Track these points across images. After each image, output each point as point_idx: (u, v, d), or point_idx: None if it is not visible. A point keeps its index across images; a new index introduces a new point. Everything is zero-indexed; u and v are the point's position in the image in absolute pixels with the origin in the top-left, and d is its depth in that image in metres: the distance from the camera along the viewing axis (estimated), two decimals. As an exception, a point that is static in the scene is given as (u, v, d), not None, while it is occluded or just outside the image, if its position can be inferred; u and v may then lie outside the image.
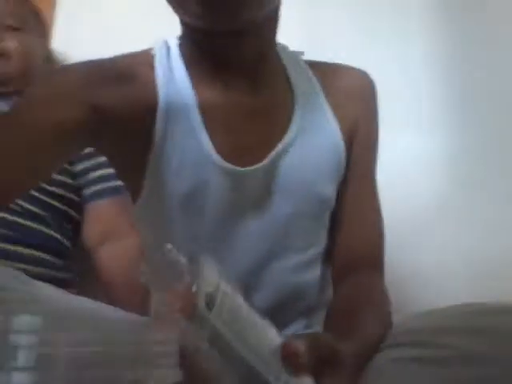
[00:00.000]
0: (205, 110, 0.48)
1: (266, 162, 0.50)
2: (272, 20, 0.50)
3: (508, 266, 0.79)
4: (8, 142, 0.43)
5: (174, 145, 0.47)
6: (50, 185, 0.78)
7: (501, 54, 0.91)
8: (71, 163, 0.82)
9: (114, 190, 0.81)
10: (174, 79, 0.49)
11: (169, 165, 0.48)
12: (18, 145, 0.43)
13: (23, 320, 0.24)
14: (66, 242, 0.82)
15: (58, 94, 0.45)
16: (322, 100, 0.54)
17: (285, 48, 0.57)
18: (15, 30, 0.82)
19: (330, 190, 0.54)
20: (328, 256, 0.57)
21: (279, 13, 0.50)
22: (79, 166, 0.83)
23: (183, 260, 0.29)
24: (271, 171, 0.50)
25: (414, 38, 0.95)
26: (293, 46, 0.58)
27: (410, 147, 0.88)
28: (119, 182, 0.74)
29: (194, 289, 0.28)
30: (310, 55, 0.59)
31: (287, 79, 0.54)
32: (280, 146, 0.50)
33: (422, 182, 0.87)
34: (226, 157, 0.48)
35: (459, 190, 0.85)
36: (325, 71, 0.57)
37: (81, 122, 0.45)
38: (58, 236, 0.79)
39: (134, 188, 0.52)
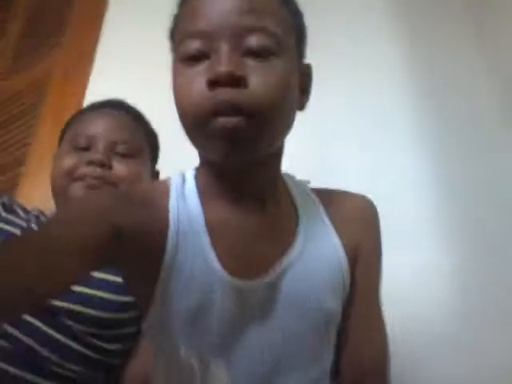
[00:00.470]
0: (213, 228, 0.51)
1: (270, 276, 0.52)
2: (279, 150, 0.55)
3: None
4: (28, 258, 0.42)
5: (183, 263, 0.50)
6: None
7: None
8: None
9: None
10: (186, 204, 0.53)
11: (178, 282, 0.50)
12: (37, 261, 0.42)
13: None
14: None
15: (84, 216, 0.48)
16: (324, 220, 0.57)
17: (291, 177, 0.62)
18: (127, 156, 0.81)
19: (334, 306, 0.55)
20: (334, 374, 0.57)
21: (284, 144, 0.56)
22: None
23: (195, 362, 0.29)
24: (276, 286, 0.52)
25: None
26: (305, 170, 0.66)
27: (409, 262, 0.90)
28: None
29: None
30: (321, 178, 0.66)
31: (292, 202, 0.57)
32: (285, 262, 0.52)
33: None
34: (232, 272, 0.50)
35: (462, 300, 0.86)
36: (329, 195, 0.61)
37: (103, 241, 0.47)
38: None
39: (144, 303, 0.52)
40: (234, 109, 0.45)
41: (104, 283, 0.70)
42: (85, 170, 0.77)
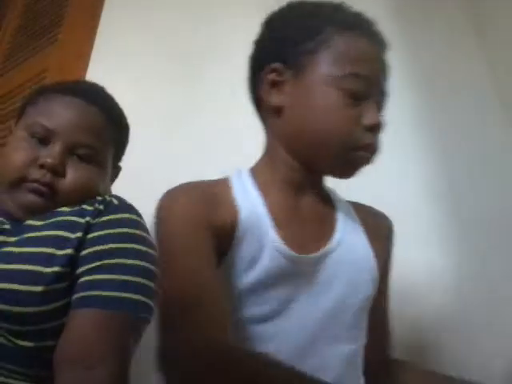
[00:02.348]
0: (272, 212, 0.61)
1: (319, 253, 0.61)
2: None
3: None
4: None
5: (251, 241, 0.59)
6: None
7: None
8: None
9: (105, 301, 0.60)
10: (247, 194, 0.62)
11: (243, 260, 0.58)
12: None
13: None
14: None
15: (198, 233, 0.57)
16: (356, 220, 0.68)
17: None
18: (85, 161, 0.74)
19: (367, 291, 0.64)
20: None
21: None
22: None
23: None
24: (322, 263, 0.61)
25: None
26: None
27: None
28: (116, 293, 0.60)
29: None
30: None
31: (330, 198, 0.69)
32: (331, 243, 0.63)
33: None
34: (290, 246, 0.59)
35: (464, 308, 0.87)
36: (358, 205, 0.72)
37: (214, 244, 0.57)
38: None
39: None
40: (376, 148, 0.61)
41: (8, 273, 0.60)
42: (36, 174, 0.70)
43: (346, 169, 0.62)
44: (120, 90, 1.32)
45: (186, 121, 1.19)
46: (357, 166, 0.62)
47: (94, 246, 0.65)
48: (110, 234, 0.66)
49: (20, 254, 0.63)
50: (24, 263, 0.61)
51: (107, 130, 0.78)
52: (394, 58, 1.10)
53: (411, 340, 0.86)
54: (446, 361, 0.84)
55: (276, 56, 0.63)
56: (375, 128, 0.59)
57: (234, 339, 0.56)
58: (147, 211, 0.81)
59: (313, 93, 0.59)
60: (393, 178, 0.99)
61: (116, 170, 0.87)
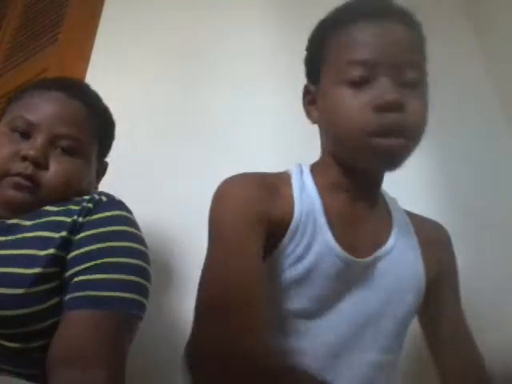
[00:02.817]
0: (329, 212, 0.62)
1: (370, 258, 0.62)
2: None
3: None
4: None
5: (301, 238, 0.59)
6: None
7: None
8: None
9: (97, 301, 0.59)
10: (305, 192, 0.63)
11: (292, 254, 0.59)
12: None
13: None
14: None
15: (249, 229, 0.57)
16: (410, 231, 0.68)
17: (386, 192, 0.73)
18: (68, 153, 0.73)
19: (412, 302, 0.64)
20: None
21: None
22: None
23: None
24: (370, 268, 0.62)
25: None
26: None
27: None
28: (107, 293, 0.60)
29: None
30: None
31: (388, 210, 0.69)
32: (381, 250, 0.63)
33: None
34: (343, 247, 0.60)
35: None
36: (413, 215, 0.72)
37: (264, 237, 0.58)
38: None
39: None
40: (398, 129, 0.56)
41: None
42: (19, 167, 0.69)
43: (377, 158, 0.58)
44: (120, 89, 1.32)
45: (186, 120, 1.19)
46: (384, 152, 0.57)
47: (85, 246, 0.64)
48: (100, 232, 0.65)
49: (5, 256, 0.62)
50: (6, 266, 0.61)
51: (89, 123, 0.77)
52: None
53: (411, 339, 0.86)
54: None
55: (308, 76, 0.68)
56: (384, 106, 0.55)
57: (272, 332, 0.57)
58: (147, 211, 0.81)
59: (328, 98, 0.61)
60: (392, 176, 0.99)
61: (103, 166, 0.86)
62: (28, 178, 0.69)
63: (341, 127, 0.59)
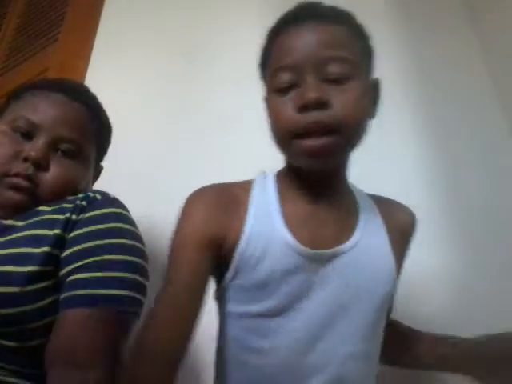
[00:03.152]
0: (287, 214, 0.62)
1: (333, 250, 0.61)
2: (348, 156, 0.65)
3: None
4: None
5: (258, 241, 0.59)
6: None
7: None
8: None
9: (93, 300, 0.60)
10: (264, 196, 0.64)
11: (253, 253, 0.59)
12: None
13: None
14: None
15: (194, 250, 0.58)
16: (379, 221, 0.67)
17: (354, 185, 0.72)
18: (68, 156, 0.74)
19: (383, 290, 0.63)
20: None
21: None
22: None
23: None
24: (334, 264, 0.61)
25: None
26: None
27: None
28: (103, 291, 0.60)
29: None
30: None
31: (355, 203, 0.68)
32: (347, 244, 0.62)
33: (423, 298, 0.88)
34: (300, 241, 0.60)
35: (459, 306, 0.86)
36: (382, 200, 0.71)
37: (216, 258, 0.60)
38: None
39: (216, 277, 0.64)
40: (320, 127, 0.56)
41: None
42: (19, 167, 0.70)
43: (302, 159, 0.59)
44: (120, 89, 1.32)
45: (186, 119, 1.19)
46: (306, 152, 0.57)
47: (79, 244, 0.64)
48: (94, 230, 0.65)
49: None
50: (1, 265, 0.61)
51: (90, 126, 0.78)
52: (393, 51, 1.12)
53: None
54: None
55: (262, 67, 0.67)
56: (306, 105, 0.56)
57: (236, 335, 0.60)
58: (146, 209, 0.81)
59: (267, 108, 0.63)
60: (392, 176, 0.99)
61: (98, 170, 0.87)
62: (27, 178, 0.69)
63: (275, 134, 0.61)
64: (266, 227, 0.60)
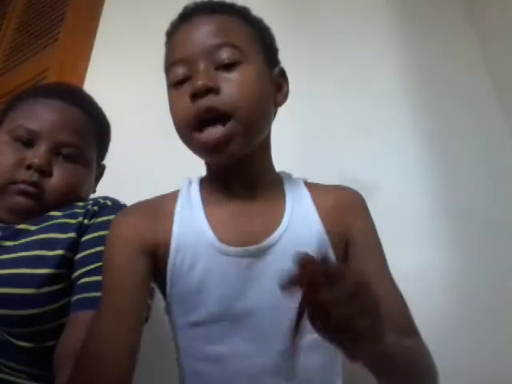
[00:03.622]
0: (211, 217, 0.61)
1: (256, 247, 0.60)
2: (264, 143, 0.64)
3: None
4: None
5: (186, 249, 0.59)
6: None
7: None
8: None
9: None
10: (189, 202, 0.64)
11: (184, 261, 0.59)
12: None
13: None
14: None
15: (126, 263, 0.58)
16: (310, 209, 0.65)
17: (288, 174, 0.71)
18: (70, 160, 0.76)
19: None
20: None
21: (269, 138, 0.66)
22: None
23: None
24: (262, 258, 0.60)
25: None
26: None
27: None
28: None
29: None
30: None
31: (283, 193, 0.66)
32: (269, 239, 0.60)
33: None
34: (224, 241, 0.59)
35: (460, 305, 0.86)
36: (319, 188, 0.69)
37: (150, 264, 0.59)
38: None
39: (162, 291, 0.63)
40: (213, 113, 0.56)
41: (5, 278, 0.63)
42: (24, 175, 0.72)
43: (203, 153, 0.61)
44: (120, 89, 1.32)
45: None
46: (205, 145, 0.58)
47: (90, 248, 0.66)
48: (104, 235, 0.66)
49: (13, 258, 0.64)
50: (17, 267, 0.63)
51: (89, 129, 0.80)
52: (393, 51, 1.11)
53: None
54: (447, 360, 0.84)
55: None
56: (196, 92, 0.57)
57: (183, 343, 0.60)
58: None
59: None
60: (392, 176, 0.99)
61: (100, 169, 0.88)
62: (33, 184, 0.72)
63: (176, 129, 0.61)
64: (193, 234, 0.60)
